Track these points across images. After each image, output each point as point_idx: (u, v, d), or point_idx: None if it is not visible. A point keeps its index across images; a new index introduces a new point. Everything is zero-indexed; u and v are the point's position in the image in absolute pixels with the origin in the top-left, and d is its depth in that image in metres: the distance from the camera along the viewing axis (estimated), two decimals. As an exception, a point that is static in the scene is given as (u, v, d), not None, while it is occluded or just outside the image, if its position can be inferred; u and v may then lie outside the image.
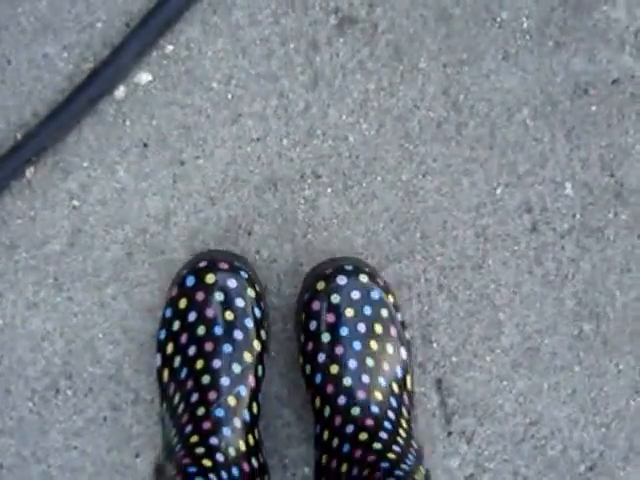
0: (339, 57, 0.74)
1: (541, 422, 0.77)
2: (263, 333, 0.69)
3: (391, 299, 0.70)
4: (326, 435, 0.67)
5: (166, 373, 0.69)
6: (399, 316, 0.71)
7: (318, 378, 0.68)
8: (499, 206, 0.76)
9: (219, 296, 0.67)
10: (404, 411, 0.68)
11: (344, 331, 0.68)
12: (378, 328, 0.69)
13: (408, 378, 0.70)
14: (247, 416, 0.66)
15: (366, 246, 0.75)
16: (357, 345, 0.68)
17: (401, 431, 0.66)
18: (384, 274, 0.75)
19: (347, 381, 0.67)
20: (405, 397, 0.69)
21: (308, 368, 0.69)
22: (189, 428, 0.63)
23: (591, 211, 0.77)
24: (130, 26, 0.74)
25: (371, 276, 0.70)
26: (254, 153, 0.74)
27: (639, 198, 0.77)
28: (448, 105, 0.75)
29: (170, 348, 0.68)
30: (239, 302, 0.67)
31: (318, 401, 0.68)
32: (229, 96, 0.74)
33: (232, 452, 0.63)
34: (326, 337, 0.68)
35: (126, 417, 0.75)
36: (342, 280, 0.69)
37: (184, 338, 0.67)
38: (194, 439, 0.63)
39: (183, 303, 0.67)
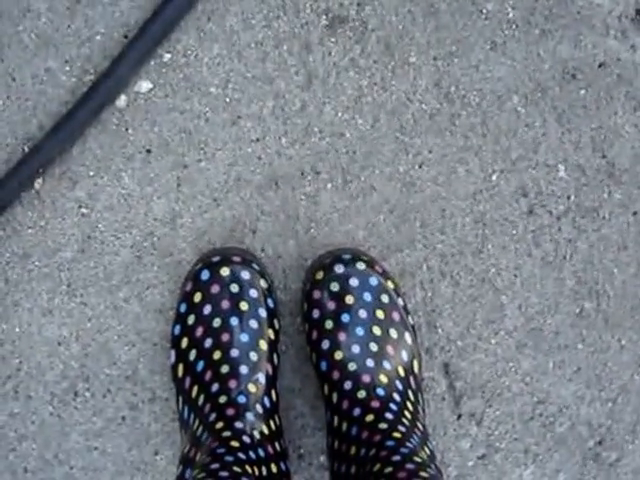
0: (332, 56, 0.79)
1: (548, 400, 0.81)
2: (276, 322, 0.74)
3: (391, 285, 0.76)
4: (336, 421, 0.72)
5: (181, 368, 0.74)
6: (401, 301, 0.75)
7: (324, 365, 0.73)
8: (495, 192, 0.80)
9: (234, 288, 0.72)
10: (410, 394, 0.73)
11: (346, 318, 0.74)
12: (380, 313, 0.74)
13: (415, 362, 0.75)
14: (267, 402, 0.71)
15: (367, 238, 0.80)
16: (360, 331, 0.74)
17: (407, 412, 0.71)
18: (386, 264, 0.80)
19: (352, 366, 0.73)
20: (412, 380, 0.74)
21: (314, 356, 0.74)
22: (213, 416, 0.68)
23: (585, 192, 0.81)
24: (128, 37, 0.79)
25: (369, 263, 0.76)
26: (254, 153, 0.79)
27: (631, 177, 0.81)
28: (440, 97, 0.80)
29: (185, 342, 0.73)
30: (253, 293, 0.73)
31: (326, 388, 0.73)
32: (227, 99, 0.79)
33: (257, 435, 0.68)
34: (329, 324, 0.74)
35: (144, 416, 0.80)
36: (340, 269, 0.75)
37: (199, 331, 0.72)
38: (219, 425, 0.68)
39: (198, 297, 0.73)
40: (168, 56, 0.80)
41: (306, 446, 0.82)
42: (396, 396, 0.72)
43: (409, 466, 0.64)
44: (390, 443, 0.67)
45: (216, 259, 0.75)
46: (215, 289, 0.74)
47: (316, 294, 0.75)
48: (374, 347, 0.74)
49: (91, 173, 0.80)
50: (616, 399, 0.83)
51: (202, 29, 0.80)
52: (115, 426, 0.81)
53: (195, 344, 0.74)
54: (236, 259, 0.75)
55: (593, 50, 0.82)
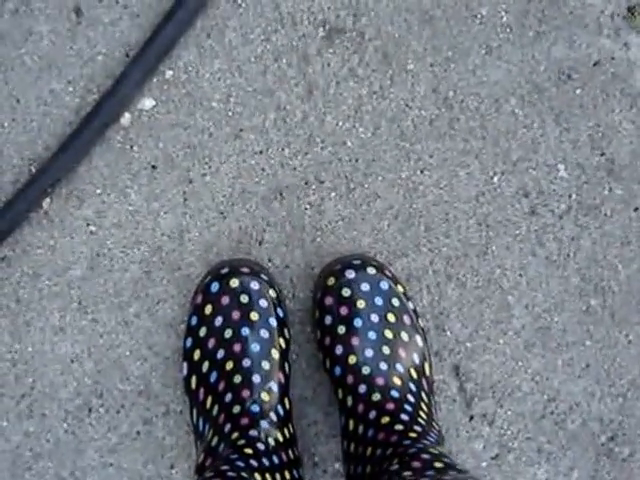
0: (330, 67, 0.81)
1: (559, 398, 0.83)
2: (286, 331, 0.75)
3: (400, 289, 0.78)
4: (351, 424, 0.73)
5: (194, 380, 0.75)
6: (410, 305, 0.77)
7: (338, 370, 0.75)
8: (497, 194, 0.82)
9: (244, 298, 0.74)
10: (423, 395, 0.75)
11: (358, 322, 0.76)
12: (391, 317, 0.76)
13: (426, 365, 0.76)
14: (281, 410, 0.72)
15: (373, 244, 0.82)
16: (372, 335, 0.76)
17: (421, 413, 0.73)
18: (393, 269, 0.81)
19: (366, 370, 0.75)
20: (424, 382, 0.75)
21: (328, 362, 0.76)
22: (228, 427, 0.70)
23: (586, 190, 0.83)
24: (130, 56, 0.81)
25: (378, 268, 0.78)
26: (258, 165, 0.81)
27: (631, 173, 0.83)
28: (439, 102, 0.82)
29: (197, 354, 0.74)
30: (262, 303, 0.74)
31: (340, 392, 0.75)
32: (229, 113, 0.81)
33: (272, 442, 0.70)
34: (341, 330, 0.76)
35: (158, 430, 0.81)
36: (351, 274, 0.77)
37: (212, 343, 0.74)
38: (235, 435, 0.70)
39: (209, 309, 0.74)
40: (170, 73, 0.83)
41: (320, 453, 0.83)
42: (410, 397, 0.74)
43: (424, 456, 0.66)
44: (407, 442, 0.69)
45: (225, 271, 0.77)
46: (225, 300, 0.76)
47: (328, 300, 0.77)
48: (387, 350, 0.76)
49: (98, 191, 0.82)
50: (626, 394, 0.85)
51: (202, 45, 0.83)
52: (130, 441, 0.83)
53: (208, 355, 0.76)
54: (245, 270, 0.77)
55: (587, 50, 0.85)
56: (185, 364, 0.78)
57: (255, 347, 0.75)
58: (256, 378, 0.74)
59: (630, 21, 0.85)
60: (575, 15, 0.85)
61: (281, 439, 0.72)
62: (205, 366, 0.76)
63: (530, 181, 0.84)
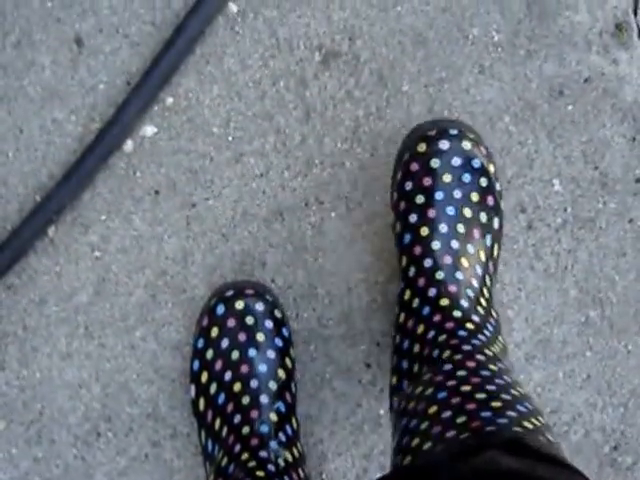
0: (327, 90, 0.84)
1: (561, 409, 0.85)
2: (291, 351, 0.78)
3: (492, 169, 0.76)
4: (407, 294, 0.74)
5: (202, 402, 0.77)
6: (498, 186, 0.77)
7: (407, 238, 0.75)
8: (494, 209, 0.85)
9: (249, 320, 0.76)
10: (487, 280, 0.74)
11: (439, 195, 0.74)
12: (474, 196, 0.75)
13: (495, 246, 0.76)
14: (289, 430, 0.74)
15: (375, 262, 0.84)
16: (450, 210, 0.74)
17: (482, 300, 0.73)
18: (394, 287, 0.83)
19: (436, 245, 0.73)
20: (490, 266, 0.75)
21: (398, 226, 0.76)
22: (238, 447, 0.72)
23: (581, 203, 0.86)
24: (131, 84, 0.84)
25: (475, 143, 0.75)
26: (259, 188, 0.84)
27: (624, 185, 0.86)
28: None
29: (205, 377, 0.77)
30: (268, 324, 0.77)
31: (404, 260, 0.75)
32: (230, 138, 0.84)
33: (282, 463, 0.72)
34: (420, 199, 0.74)
35: (166, 452, 0.84)
36: (444, 145, 0.74)
37: (219, 365, 0.76)
38: (245, 456, 0.72)
39: (215, 331, 0.77)
40: (170, 100, 0.86)
41: (328, 472, 0.86)
42: (474, 282, 0.72)
43: (479, 357, 0.65)
44: (462, 333, 0.68)
45: (230, 293, 0.79)
46: (231, 323, 0.78)
47: (414, 166, 0.74)
48: (461, 229, 0.73)
49: (102, 217, 0.85)
50: (627, 403, 0.87)
51: (201, 72, 0.86)
52: (139, 464, 0.85)
53: (215, 378, 0.78)
54: (249, 292, 0.79)
55: (577, 66, 0.88)
56: (193, 386, 0.80)
57: (262, 368, 0.77)
58: (264, 399, 0.76)
59: (618, 38, 0.88)
60: (564, 33, 0.88)
61: (290, 459, 0.74)
62: (213, 388, 0.78)
63: (526, 196, 0.87)
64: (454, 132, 0.74)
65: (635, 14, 0.88)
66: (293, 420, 0.78)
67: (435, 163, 0.74)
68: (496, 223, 0.76)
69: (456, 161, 0.74)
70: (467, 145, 0.74)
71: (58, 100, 0.86)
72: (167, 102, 0.86)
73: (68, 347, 0.85)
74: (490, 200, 0.76)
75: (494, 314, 0.74)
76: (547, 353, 0.87)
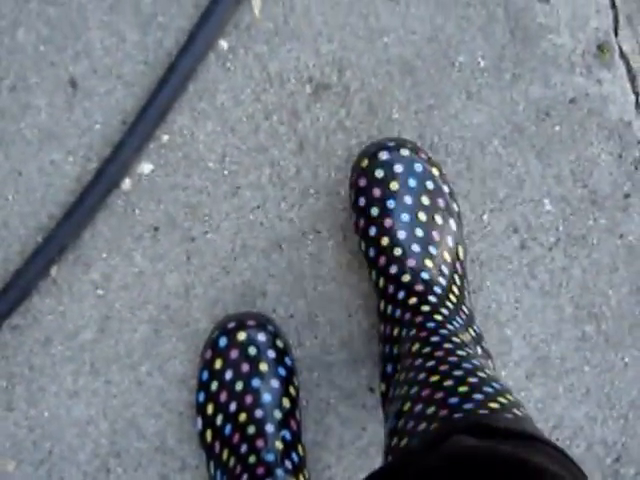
0: (319, 121, 0.87)
1: (563, 424, 0.88)
2: (295, 379, 0.80)
3: (436, 171, 0.81)
4: (382, 305, 0.79)
5: (209, 434, 0.80)
6: (446, 188, 0.81)
7: (372, 252, 0.79)
8: (488, 231, 0.88)
9: (252, 350, 0.79)
10: (456, 278, 0.78)
11: (391, 204, 0.78)
12: (425, 199, 0.79)
13: (460, 248, 0.81)
14: (295, 457, 0.76)
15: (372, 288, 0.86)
16: (405, 217, 0.78)
17: (451, 296, 0.76)
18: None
19: (397, 251, 0.77)
20: (457, 266, 0.79)
21: (362, 244, 0.81)
22: (245, 477, 0.75)
23: (572, 221, 0.89)
24: (126, 123, 0.87)
25: (413, 150, 0.80)
26: (257, 220, 0.87)
27: (613, 202, 0.90)
28: (425, 148, 0.88)
29: (210, 409, 0.79)
30: (270, 353, 0.79)
31: (374, 274, 0.80)
32: (225, 172, 0.87)
33: None
34: (375, 211, 0.79)
35: (176, 485, 0.85)
36: (384, 155, 0.79)
37: (223, 396, 0.78)
38: (252, 485, 0.73)
39: (219, 363, 0.79)
40: (166, 137, 0.88)
41: (336, 496, 0.88)
42: (441, 280, 0.76)
43: (447, 345, 0.69)
44: (431, 325, 0.72)
45: (232, 325, 0.82)
46: (234, 354, 0.81)
47: (361, 182, 0.79)
48: (420, 232, 0.78)
49: (104, 255, 0.87)
50: (627, 415, 0.90)
51: (195, 109, 0.89)
52: (149, 498, 0.87)
53: (221, 409, 0.80)
54: (251, 323, 0.82)
55: (562, 88, 0.91)
56: (199, 419, 0.82)
57: (266, 397, 0.79)
58: (269, 428, 0.78)
59: (600, 58, 0.91)
60: (548, 56, 0.91)
61: None
62: (219, 419, 0.80)
63: (518, 217, 0.90)
64: (391, 144, 0.80)
65: (616, 34, 0.92)
66: (299, 447, 0.80)
67: (379, 173, 0.79)
68: (453, 224, 0.80)
69: (398, 168, 0.79)
70: (405, 152, 0.79)
71: (55, 142, 0.88)
72: (163, 139, 0.88)
73: (75, 385, 0.87)
74: (441, 202, 0.80)
75: (465, 310, 0.77)
76: (546, 369, 0.90)
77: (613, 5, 0.92)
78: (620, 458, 0.90)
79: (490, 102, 0.90)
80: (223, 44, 0.89)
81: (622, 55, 0.91)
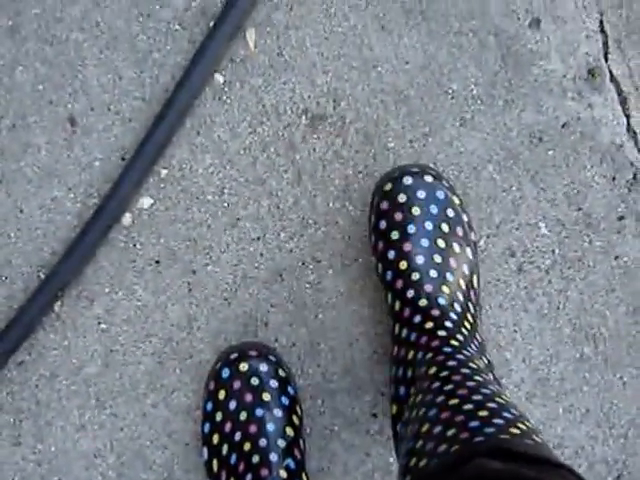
0: (316, 152, 0.89)
1: (564, 444, 0.89)
2: (298, 408, 0.81)
3: (457, 200, 0.83)
4: (397, 328, 0.80)
5: (215, 463, 0.81)
6: (465, 217, 0.83)
7: (389, 275, 0.81)
8: (485, 256, 0.89)
9: (254, 381, 0.80)
10: (470, 306, 0.80)
11: (411, 229, 0.80)
12: (445, 227, 0.81)
13: (474, 277, 0.82)
14: (299, 487, 0.77)
15: (373, 315, 0.89)
16: (424, 242, 0.80)
17: (466, 323, 0.78)
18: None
19: (415, 276, 0.79)
20: (472, 294, 0.81)
21: (380, 267, 0.82)
22: (251, 506, 0.75)
23: (568, 244, 0.91)
24: (125, 159, 0.88)
25: (436, 177, 0.82)
26: (257, 251, 0.88)
27: (608, 224, 0.91)
28: (421, 175, 0.89)
29: (216, 439, 0.81)
30: (273, 383, 0.81)
31: (390, 297, 0.81)
32: (225, 204, 0.88)
33: None
34: (395, 235, 0.80)
35: (184, 515, 0.86)
36: (408, 180, 0.81)
37: (228, 426, 0.80)
38: (257, 514, 0.74)
39: (222, 394, 0.81)
40: (165, 172, 0.90)
41: (342, 522, 0.89)
42: (457, 306, 0.78)
43: (464, 370, 0.70)
44: (447, 349, 0.73)
45: (234, 356, 0.83)
46: (237, 385, 0.82)
47: (384, 205, 0.81)
48: (438, 259, 0.79)
49: (106, 290, 0.89)
50: (627, 434, 0.91)
51: (193, 143, 0.90)
52: (157, 529, 0.88)
53: (226, 439, 0.82)
54: (253, 353, 0.83)
55: (554, 113, 0.93)
56: (205, 449, 0.83)
57: (270, 426, 0.80)
58: (273, 457, 0.79)
59: (591, 83, 0.93)
60: (540, 81, 0.93)
61: None
62: (224, 449, 0.81)
63: (514, 241, 0.91)
64: (415, 170, 0.82)
65: (606, 59, 0.93)
66: (303, 475, 0.81)
67: (402, 198, 0.80)
68: (469, 253, 0.82)
69: (421, 194, 0.80)
70: (429, 178, 0.81)
71: (55, 179, 0.89)
72: (162, 174, 0.90)
73: (81, 419, 0.88)
74: (459, 231, 0.82)
75: (479, 337, 0.78)
76: (546, 391, 0.91)
77: (602, 30, 0.93)
78: (621, 476, 0.91)
79: (484, 128, 0.92)
80: (219, 78, 0.90)
81: (613, 79, 0.93)
